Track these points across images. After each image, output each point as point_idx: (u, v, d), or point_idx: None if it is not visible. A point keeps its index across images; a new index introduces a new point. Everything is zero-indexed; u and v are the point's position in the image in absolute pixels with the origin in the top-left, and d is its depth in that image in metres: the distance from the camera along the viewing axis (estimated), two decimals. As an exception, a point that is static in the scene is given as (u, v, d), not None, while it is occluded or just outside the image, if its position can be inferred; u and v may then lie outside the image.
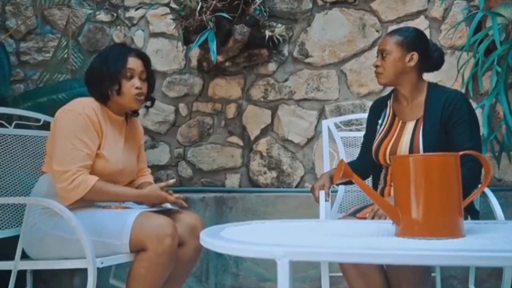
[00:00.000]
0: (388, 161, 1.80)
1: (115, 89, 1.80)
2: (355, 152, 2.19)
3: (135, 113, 1.99)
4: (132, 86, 1.81)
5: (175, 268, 1.75)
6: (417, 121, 1.77)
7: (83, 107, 1.76)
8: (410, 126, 1.78)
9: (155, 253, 1.64)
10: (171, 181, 1.84)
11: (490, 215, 1.84)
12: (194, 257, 1.86)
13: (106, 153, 1.78)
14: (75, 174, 1.68)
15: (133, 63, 1.83)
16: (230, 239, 1.03)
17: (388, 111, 1.90)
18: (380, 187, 1.84)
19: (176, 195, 1.85)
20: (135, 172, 1.99)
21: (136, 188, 2.00)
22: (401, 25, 2.69)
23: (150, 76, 1.91)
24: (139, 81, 1.83)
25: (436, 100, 1.75)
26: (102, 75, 1.80)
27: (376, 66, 1.81)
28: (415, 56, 1.78)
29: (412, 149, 1.72)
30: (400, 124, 1.82)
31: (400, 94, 1.84)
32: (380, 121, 1.92)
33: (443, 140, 1.71)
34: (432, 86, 1.82)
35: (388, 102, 1.92)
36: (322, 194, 1.82)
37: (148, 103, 1.99)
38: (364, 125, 2.07)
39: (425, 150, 1.69)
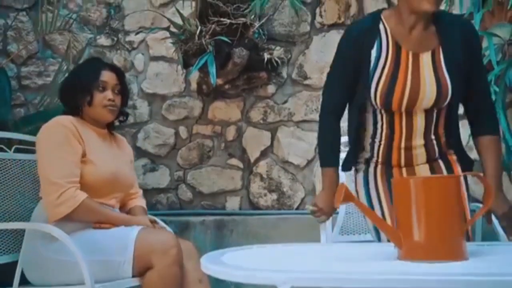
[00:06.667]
0: (404, 107, 1.42)
1: (87, 100, 1.83)
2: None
3: (112, 126, 1.99)
4: (105, 98, 1.84)
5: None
6: (433, 52, 1.42)
7: (58, 121, 1.79)
8: (426, 58, 1.42)
9: (164, 266, 1.63)
10: (161, 224, 1.87)
11: (492, 235, 1.82)
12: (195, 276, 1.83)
13: (93, 157, 1.78)
14: (64, 188, 1.68)
15: (106, 76, 1.86)
16: (231, 265, 1.02)
17: (386, 38, 1.44)
18: (376, 145, 1.51)
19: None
20: (130, 185, 1.96)
21: (127, 212, 1.97)
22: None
23: (124, 89, 1.94)
24: (112, 94, 1.86)
25: (450, 27, 1.43)
26: (75, 86, 1.85)
27: None
28: None
29: (440, 87, 1.40)
30: (411, 56, 1.42)
31: (416, 18, 1.38)
32: (375, 53, 1.43)
33: (467, 74, 1.43)
34: (440, 12, 1.45)
35: (381, 27, 1.45)
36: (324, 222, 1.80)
37: (122, 118, 2.01)
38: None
39: (453, 88, 1.41)
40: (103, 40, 3.07)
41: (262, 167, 2.83)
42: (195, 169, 2.91)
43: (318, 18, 2.84)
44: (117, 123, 2.02)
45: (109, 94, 1.85)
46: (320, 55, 2.82)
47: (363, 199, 1.59)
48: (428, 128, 1.47)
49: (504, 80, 2.25)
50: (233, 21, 2.55)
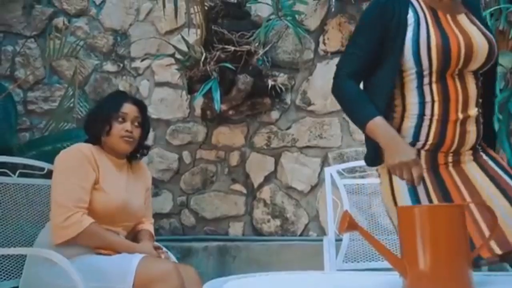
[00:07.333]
0: (462, 61, 1.38)
1: (106, 130, 1.86)
2: (359, 200, 2.17)
3: (135, 157, 2.00)
4: (123, 129, 1.87)
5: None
6: (466, 14, 1.47)
7: (77, 147, 1.84)
8: (463, 19, 1.44)
9: None
10: (163, 253, 1.86)
11: (499, 265, 1.79)
12: None
13: (105, 186, 1.79)
14: (71, 211, 1.69)
15: (127, 108, 1.90)
16: (233, 293, 1.01)
17: (418, 4, 1.45)
18: (426, 123, 1.40)
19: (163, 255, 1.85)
20: (141, 214, 1.97)
21: (134, 235, 1.97)
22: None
23: (145, 123, 1.96)
24: (131, 126, 1.89)
25: (470, 0, 1.52)
26: (96, 116, 1.91)
27: None
28: None
29: (488, 39, 1.42)
30: (449, 17, 1.44)
31: None
32: (412, 17, 1.42)
33: None
34: None
35: None
36: (325, 242, 1.79)
37: (143, 151, 2.02)
38: (368, 172, 2.02)
39: (496, 41, 1.44)
40: (109, 66, 3.12)
41: (265, 193, 2.82)
42: (198, 194, 2.91)
43: (321, 46, 2.88)
44: (146, 157, 2.04)
45: (127, 125, 1.88)
46: (324, 81, 2.84)
47: (405, 197, 1.41)
48: (478, 94, 1.44)
49: (507, 108, 2.26)
50: (238, 49, 2.59)
